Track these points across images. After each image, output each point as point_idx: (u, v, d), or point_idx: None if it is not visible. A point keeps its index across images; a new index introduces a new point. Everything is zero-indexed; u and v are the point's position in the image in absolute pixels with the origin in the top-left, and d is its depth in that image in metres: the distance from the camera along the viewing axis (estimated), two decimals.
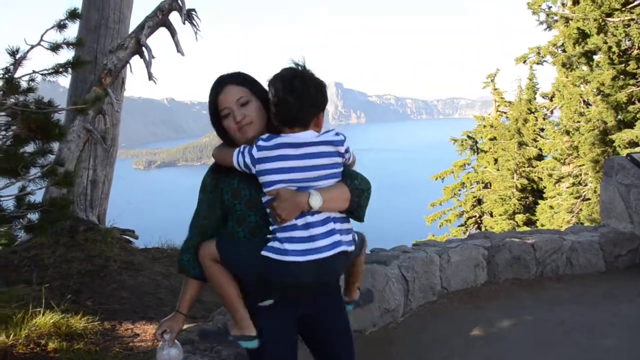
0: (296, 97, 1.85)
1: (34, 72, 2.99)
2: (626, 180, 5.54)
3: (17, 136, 2.82)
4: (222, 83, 1.95)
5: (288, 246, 1.84)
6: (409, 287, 4.28)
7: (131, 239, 5.96)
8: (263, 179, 1.88)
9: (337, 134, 1.92)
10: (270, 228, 1.91)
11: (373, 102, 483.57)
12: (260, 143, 1.88)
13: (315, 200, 1.84)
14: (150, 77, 5.43)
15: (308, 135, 1.88)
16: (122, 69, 5.51)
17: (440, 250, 4.67)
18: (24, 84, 2.91)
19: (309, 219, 1.87)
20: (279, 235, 1.86)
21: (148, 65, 5.45)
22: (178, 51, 5.68)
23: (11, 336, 2.94)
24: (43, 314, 3.21)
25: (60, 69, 3.08)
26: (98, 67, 5.66)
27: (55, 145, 3.42)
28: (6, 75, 2.80)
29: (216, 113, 1.96)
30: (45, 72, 3.06)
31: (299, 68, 1.91)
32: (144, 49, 5.43)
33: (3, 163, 2.67)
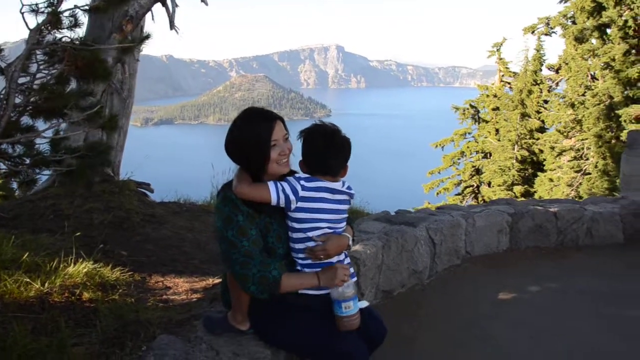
0: (336, 152, 2.23)
1: (75, 7, 2.81)
2: None
3: (60, 74, 2.66)
4: (274, 117, 2.18)
5: None
6: (436, 249, 4.26)
7: (147, 192, 5.88)
8: (301, 215, 2.20)
9: (349, 187, 2.30)
10: (302, 262, 2.27)
11: (374, 67, 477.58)
12: (304, 183, 2.19)
13: (352, 242, 2.37)
14: (172, 26, 5.22)
15: (339, 184, 2.26)
16: (143, 16, 5.29)
17: (466, 215, 4.64)
18: (65, 21, 2.74)
19: (340, 256, 2.32)
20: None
21: (171, 13, 5.23)
22: (202, 0, 5.47)
23: (46, 284, 2.88)
24: (75, 264, 3.14)
25: (102, 4, 2.91)
26: (117, 14, 5.43)
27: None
28: (50, 8, 2.63)
29: (266, 142, 2.13)
30: (87, 7, 2.88)
31: (331, 126, 2.27)
32: None
33: (49, 102, 2.53)
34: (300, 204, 2.19)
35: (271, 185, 2.17)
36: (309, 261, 2.26)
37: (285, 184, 2.18)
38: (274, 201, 2.16)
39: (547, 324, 3.61)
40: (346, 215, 2.34)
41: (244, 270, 2.11)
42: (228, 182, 2.26)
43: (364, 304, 2.31)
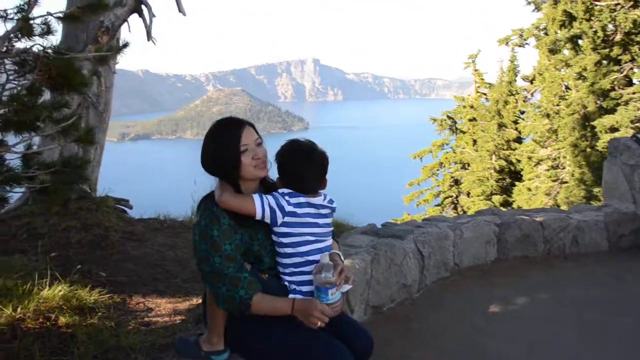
0: (313, 171, 2.19)
1: (48, 13, 2.65)
2: (631, 160, 5.53)
3: (31, 85, 2.50)
4: (243, 123, 2.15)
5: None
6: (425, 262, 4.18)
7: (126, 208, 5.69)
8: (289, 230, 2.15)
9: (331, 201, 2.27)
10: (289, 279, 2.19)
11: (351, 79, 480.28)
12: (288, 199, 2.14)
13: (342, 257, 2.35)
14: (149, 37, 5.09)
15: (320, 199, 2.22)
16: (119, 27, 5.15)
17: (453, 226, 4.58)
18: (36, 28, 2.57)
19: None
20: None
21: (149, 24, 5.10)
22: (180, 11, 5.35)
23: (19, 309, 2.70)
24: (50, 286, 2.97)
25: (76, 13, 2.75)
26: (92, 25, 5.28)
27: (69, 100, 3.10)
28: (20, 14, 2.46)
29: (235, 148, 2.08)
30: (60, 14, 2.72)
31: (307, 142, 2.24)
32: (143, 7, 5.07)
33: (20, 115, 2.37)
34: (287, 219, 2.14)
35: (256, 198, 2.11)
36: (297, 277, 2.17)
37: (270, 198, 2.13)
38: (259, 215, 2.10)
39: (541, 336, 3.56)
40: (331, 229, 2.30)
41: (214, 287, 2.05)
42: (209, 193, 2.19)
43: (346, 287, 2.25)
